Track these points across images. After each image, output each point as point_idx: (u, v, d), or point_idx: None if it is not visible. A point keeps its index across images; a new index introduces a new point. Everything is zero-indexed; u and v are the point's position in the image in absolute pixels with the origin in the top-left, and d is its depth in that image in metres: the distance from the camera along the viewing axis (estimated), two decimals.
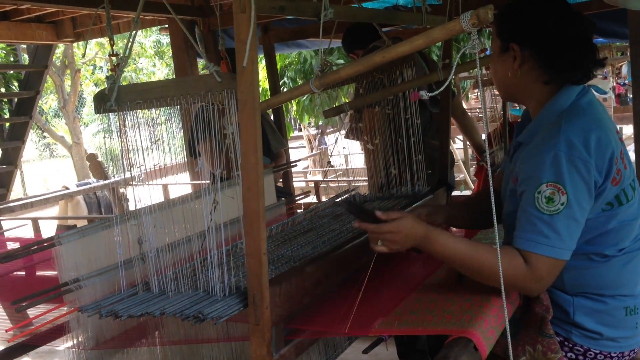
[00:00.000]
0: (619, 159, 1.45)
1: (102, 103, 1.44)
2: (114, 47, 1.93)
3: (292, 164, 3.29)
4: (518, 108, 9.20)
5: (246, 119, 1.22)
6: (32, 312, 2.11)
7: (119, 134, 1.49)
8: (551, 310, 1.47)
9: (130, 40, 1.48)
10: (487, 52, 2.06)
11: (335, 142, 2.41)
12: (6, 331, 1.75)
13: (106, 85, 1.40)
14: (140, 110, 1.48)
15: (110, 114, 1.47)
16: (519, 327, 1.52)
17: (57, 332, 1.81)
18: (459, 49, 6.16)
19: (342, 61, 7.47)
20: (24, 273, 2.53)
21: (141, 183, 1.68)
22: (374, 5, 3.58)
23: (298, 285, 1.46)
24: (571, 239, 1.40)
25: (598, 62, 1.50)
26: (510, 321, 1.51)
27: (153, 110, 1.50)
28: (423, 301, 1.53)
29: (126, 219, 1.61)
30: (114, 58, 1.92)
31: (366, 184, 2.70)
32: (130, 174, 1.58)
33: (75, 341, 1.70)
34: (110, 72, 1.59)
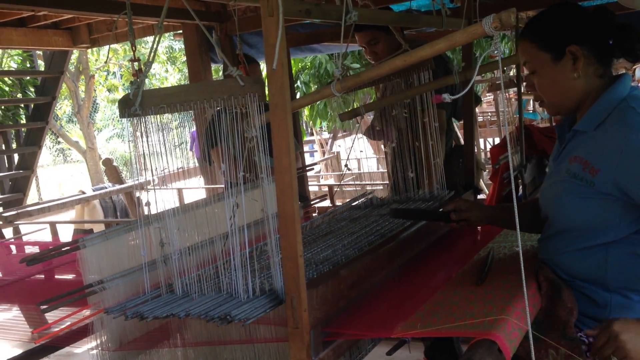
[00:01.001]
0: None
1: (127, 108, 1.46)
2: (135, 53, 1.96)
3: (308, 168, 3.30)
4: (532, 112, 9.16)
5: (278, 121, 1.23)
6: (52, 314, 2.14)
7: (139, 138, 1.52)
8: (575, 312, 1.47)
9: (155, 45, 1.50)
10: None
11: (352, 145, 2.41)
12: (33, 332, 1.77)
13: (121, 90, 1.42)
14: (159, 115, 1.50)
15: (124, 119, 1.49)
16: (541, 329, 1.52)
17: (77, 334, 1.84)
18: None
19: (357, 65, 7.48)
20: (43, 276, 2.56)
21: (159, 187, 1.70)
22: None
23: (334, 288, 1.47)
24: None
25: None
26: (533, 323, 1.51)
27: (167, 115, 1.52)
28: (444, 304, 1.53)
29: (150, 221, 1.63)
30: (135, 63, 1.95)
31: (381, 187, 2.71)
32: (151, 177, 1.60)
33: (97, 342, 1.72)
34: (132, 77, 1.61)
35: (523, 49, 1.61)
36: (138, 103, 1.44)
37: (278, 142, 1.25)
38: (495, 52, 1.26)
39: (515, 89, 3.87)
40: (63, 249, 1.67)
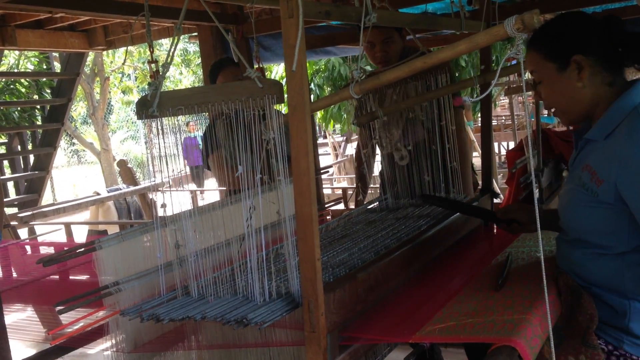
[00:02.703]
0: None
1: (145, 109, 1.46)
2: (152, 55, 1.96)
3: (322, 170, 3.29)
4: (548, 115, 9.11)
5: (297, 123, 1.22)
6: (66, 315, 2.14)
7: (154, 139, 1.51)
8: (596, 319, 1.45)
9: (173, 46, 1.50)
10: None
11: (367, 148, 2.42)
12: (49, 333, 1.77)
13: (136, 92, 1.41)
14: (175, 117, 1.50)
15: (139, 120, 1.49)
16: (561, 336, 1.50)
17: (91, 335, 1.84)
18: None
19: (369, 67, 7.47)
20: (58, 277, 2.57)
21: (174, 189, 1.70)
22: (406, 11, 3.58)
23: (351, 292, 1.45)
24: None
25: None
26: (553, 329, 1.49)
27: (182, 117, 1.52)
28: (463, 309, 1.51)
29: (165, 223, 1.62)
30: (153, 65, 1.95)
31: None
32: (168, 178, 1.60)
33: (112, 343, 1.72)
34: (149, 79, 1.61)
35: (529, 59, 1.59)
36: (156, 104, 1.43)
37: (296, 144, 1.23)
38: (517, 54, 1.24)
39: (532, 92, 3.85)
40: (79, 250, 1.67)
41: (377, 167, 3.42)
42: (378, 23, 1.43)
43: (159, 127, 1.51)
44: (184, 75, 18.08)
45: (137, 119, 1.48)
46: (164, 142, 1.54)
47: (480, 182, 2.56)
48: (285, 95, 1.25)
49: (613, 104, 1.52)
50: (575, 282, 1.54)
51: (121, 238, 1.69)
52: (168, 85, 16.81)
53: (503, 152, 11.08)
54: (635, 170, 1.41)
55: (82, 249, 1.67)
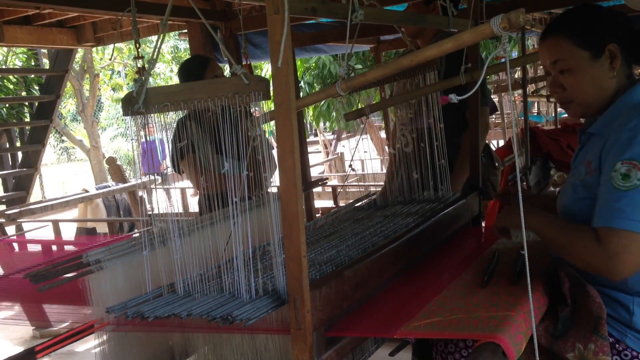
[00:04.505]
0: None
1: (130, 105, 1.45)
2: (139, 51, 1.95)
3: (321, 182, 3.26)
4: (537, 114, 9.14)
5: (282, 120, 1.21)
6: (54, 313, 2.13)
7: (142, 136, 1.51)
8: (604, 308, 1.45)
9: (159, 42, 1.49)
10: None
11: (356, 146, 2.39)
12: (34, 330, 1.76)
13: (126, 89, 1.41)
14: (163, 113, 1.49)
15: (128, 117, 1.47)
16: (567, 326, 1.50)
17: (79, 333, 1.83)
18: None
19: (360, 66, 7.48)
20: (43, 268, 2.56)
21: (162, 186, 1.69)
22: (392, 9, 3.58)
23: (337, 289, 1.45)
24: None
25: None
26: (559, 320, 1.50)
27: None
28: (449, 305, 1.52)
29: (152, 220, 1.62)
30: (139, 61, 1.94)
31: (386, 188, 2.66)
32: (154, 176, 1.59)
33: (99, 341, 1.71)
34: (136, 75, 1.60)
35: (556, 47, 1.58)
36: (142, 101, 1.43)
37: (282, 141, 1.23)
38: (503, 53, 1.24)
39: (521, 91, 3.87)
40: (68, 265, 1.65)
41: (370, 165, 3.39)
42: (365, 20, 1.44)
43: (146, 124, 1.50)
44: (175, 73, 18.01)
45: (123, 115, 1.48)
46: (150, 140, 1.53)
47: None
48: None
49: (620, 98, 1.54)
50: (575, 272, 1.54)
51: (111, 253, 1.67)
52: (159, 82, 16.74)
53: (494, 149, 11.10)
54: (612, 144, 1.44)
55: (74, 274, 1.64)
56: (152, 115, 1.47)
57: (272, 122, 1.31)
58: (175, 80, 17.43)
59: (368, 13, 1.44)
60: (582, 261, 1.41)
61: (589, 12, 1.58)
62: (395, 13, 2.08)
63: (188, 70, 3.02)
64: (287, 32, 1.15)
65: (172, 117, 1.59)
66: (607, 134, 1.50)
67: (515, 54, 7.16)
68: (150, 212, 1.62)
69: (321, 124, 10.76)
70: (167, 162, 1.53)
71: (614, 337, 1.50)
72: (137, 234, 2.05)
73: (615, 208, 1.37)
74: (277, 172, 1.27)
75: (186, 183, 7.74)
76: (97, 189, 6.17)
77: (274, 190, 1.45)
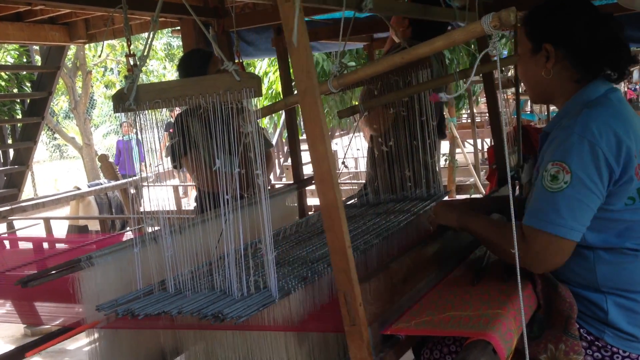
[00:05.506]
0: (639, 155, 1.45)
1: (121, 102, 1.44)
2: (130, 48, 1.94)
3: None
4: (530, 112, 9.16)
5: (309, 108, 1.17)
6: (45, 311, 2.11)
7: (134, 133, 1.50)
8: (575, 307, 1.47)
9: (149, 39, 1.48)
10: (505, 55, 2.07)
11: (349, 144, 2.38)
12: (25, 328, 1.75)
13: (119, 86, 1.40)
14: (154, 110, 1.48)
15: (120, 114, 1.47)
16: (543, 327, 1.50)
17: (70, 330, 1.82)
18: (468, 51, 6.15)
19: (353, 63, 7.48)
20: (36, 272, 2.54)
21: (153, 184, 1.68)
22: None
23: (386, 282, 1.43)
24: (573, 219, 1.41)
25: (631, 60, 1.55)
26: (534, 322, 1.50)
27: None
28: (439, 302, 1.52)
29: (143, 218, 1.61)
30: (130, 58, 1.92)
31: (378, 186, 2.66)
32: (146, 174, 1.58)
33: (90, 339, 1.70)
34: (127, 72, 1.60)
35: (519, 33, 1.64)
36: (132, 98, 1.42)
37: (311, 130, 1.18)
38: (494, 51, 1.24)
39: (513, 89, 3.87)
40: (62, 270, 1.64)
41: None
42: (374, 10, 1.44)
43: (138, 121, 1.49)
44: (168, 70, 17.97)
45: (114, 112, 1.47)
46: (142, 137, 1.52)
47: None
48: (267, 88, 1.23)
49: (571, 98, 1.56)
50: (549, 273, 1.55)
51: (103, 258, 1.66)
52: (152, 79, 16.71)
53: (486, 148, 11.13)
54: (549, 143, 1.48)
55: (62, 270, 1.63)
56: (145, 112, 1.46)
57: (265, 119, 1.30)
58: (168, 77, 17.40)
59: (377, 3, 1.44)
60: (508, 256, 1.44)
61: (549, 7, 1.57)
62: (404, 4, 2.08)
63: (189, 65, 2.96)
64: (300, 18, 1.09)
65: (166, 114, 1.59)
66: (555, 133, 1.52)
67: (505, 52, 7.16)
68: (142, 210, 1.62)
69: None
70: (148, 161, 1.51)
71: (593, 335, 1.52)
72: (129, 232, 2.04)
73: (540, 209, 1.44)
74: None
75: (177, 181, 7.70)
76: (89, 187, 6.14)
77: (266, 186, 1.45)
